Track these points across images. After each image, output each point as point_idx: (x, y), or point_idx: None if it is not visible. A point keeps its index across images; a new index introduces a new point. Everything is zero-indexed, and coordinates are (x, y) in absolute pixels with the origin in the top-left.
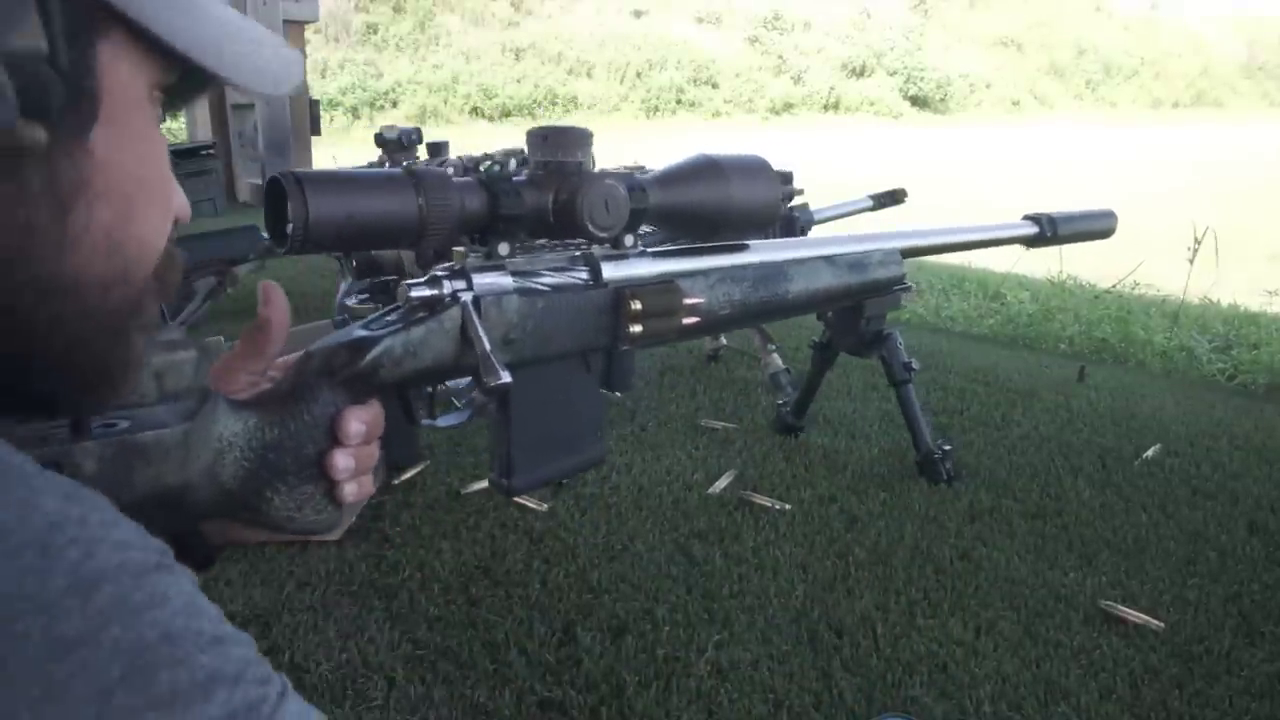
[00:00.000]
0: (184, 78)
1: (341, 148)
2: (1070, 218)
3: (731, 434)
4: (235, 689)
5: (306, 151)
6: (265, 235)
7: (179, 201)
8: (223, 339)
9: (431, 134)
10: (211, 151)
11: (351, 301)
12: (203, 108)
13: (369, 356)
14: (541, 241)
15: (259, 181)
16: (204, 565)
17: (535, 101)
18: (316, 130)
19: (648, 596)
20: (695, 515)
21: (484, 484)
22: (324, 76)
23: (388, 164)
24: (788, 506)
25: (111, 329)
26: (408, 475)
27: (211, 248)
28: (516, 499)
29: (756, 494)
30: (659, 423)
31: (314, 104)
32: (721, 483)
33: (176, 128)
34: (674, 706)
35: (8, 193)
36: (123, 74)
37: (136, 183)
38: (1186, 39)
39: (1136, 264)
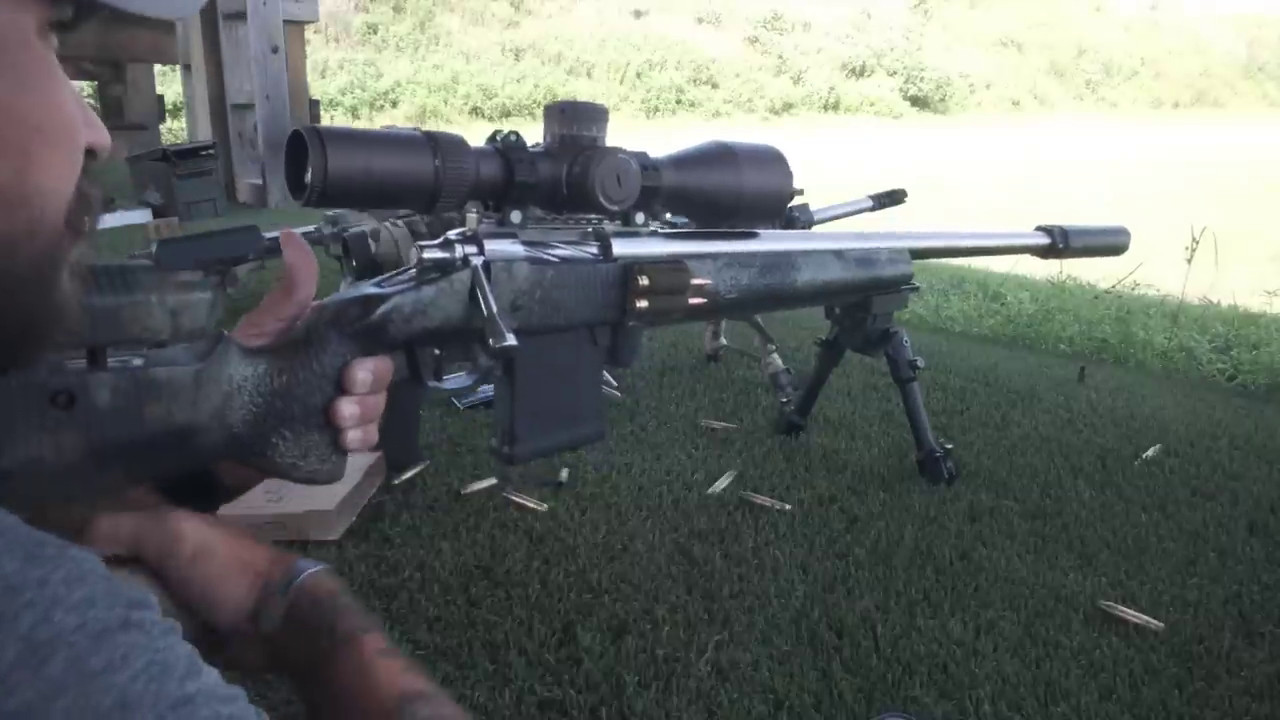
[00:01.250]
0: (78, 6)
1: None
2: (1083, 232)
3: (731, 434)
4: None
5: None
6: (265, 235)
7: (94, 135)
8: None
9: None
10: (211, 152)
11: None
12: (203, 108)
13: (379, 311)
14: (553, 215)
15: (259, 181)
16: (212, 504)
17: (535, 101)
18: None
19: (648, 596)
20: (695, 515)
21: (484, 484)
22: (324, 76)
23: None
24: (788, 506)
25: (27, 285)
26: (408, 475)
27: (211, 248)
28: (516, 499)
29: (756, 494)
30: (659, 423)
31: (314, 104)
32: (721, 483)
33: (177, 127)
34: (674, 706)
35: None
36: (1, 16)
37: (33, 131)
38: (1186, 39)
39: (1136, 264)
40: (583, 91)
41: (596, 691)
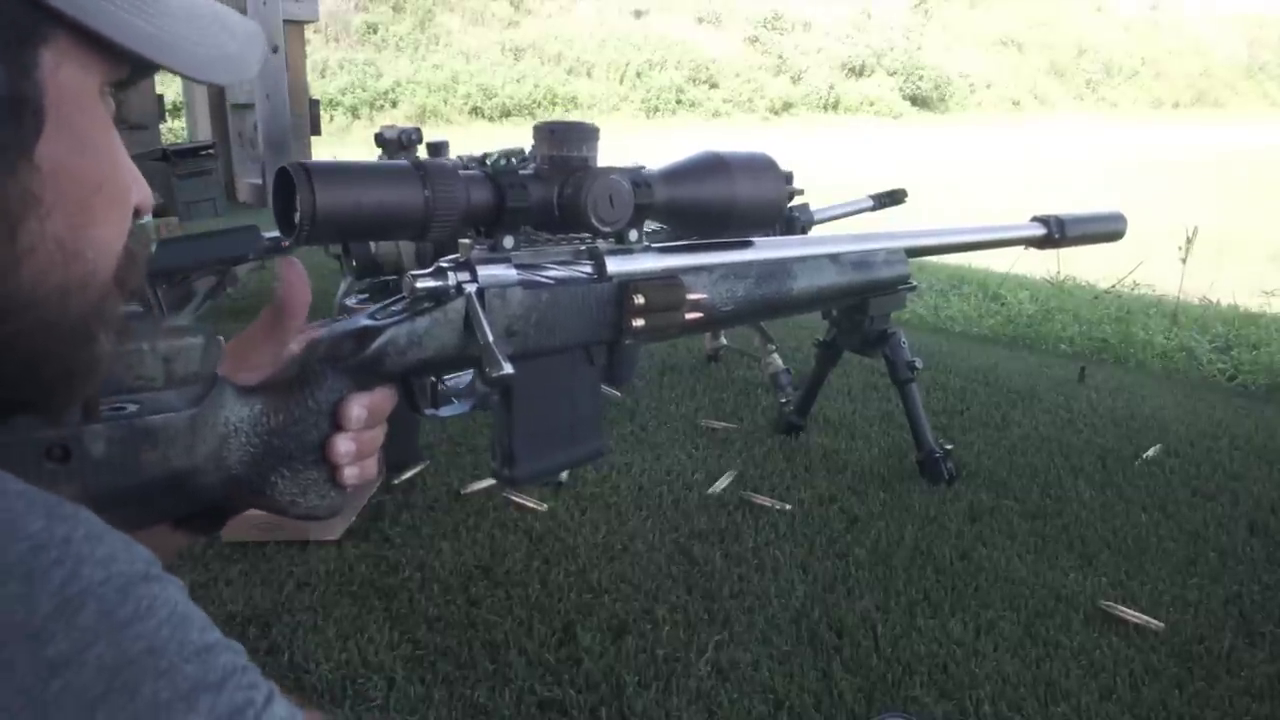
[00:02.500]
0: (136, 67)
1: (342, 147)
2: (1079, 220)
3: (731, 434)
4: (220, 695)
5: (306, 151)
6: (265, 235)
7: (140, 193)
8: (221, 339)
9: (431, 134)
10: (211, 151)
11: (351, 301)
12: (203, 108)
13: (374, 345)
14: (546, 235)
15: (259, 181)
16: (212, 530)
17: (535, 101)
18: (316, 130)
19: (648, 596)
20: (695, 515)
21: (484, 484)
22: (324, 76)
23: None
24: (788, 506)
25: (73, 336)
26: (408, 475)
27: (211, 248)
28: (516, 499)
29: (756, 494)
30: (659, 423)
31: (314, 104)
32: (721, 483)
33: (178, 127)
34: (674, 706)
35: None
36: (69, 78)
37: (92, 187)
38: (1186, 39)
39: (1136, 264)
40: (583, 91)
41: (596, 691)
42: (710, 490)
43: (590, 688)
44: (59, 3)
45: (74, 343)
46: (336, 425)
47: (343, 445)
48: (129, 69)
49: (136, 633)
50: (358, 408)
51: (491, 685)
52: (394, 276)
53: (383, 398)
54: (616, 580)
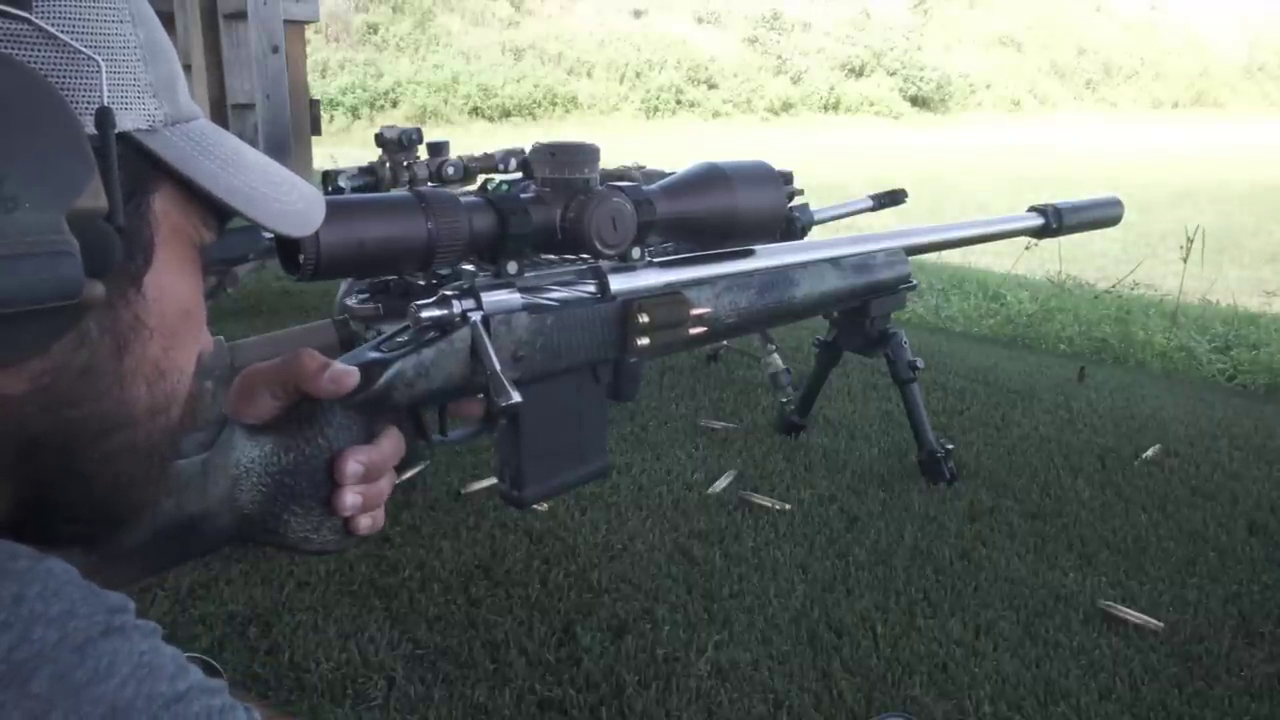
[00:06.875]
0: (223, 213)
1: (342, 147)
2: (1076, 207)
3: (731, 434)
4: None
5: (307, 151)
6: (265, 235)
7: (206, 336)
8: (223, 339)
9: (431, 134)
10: None
11: (352, 301)
12: (203, 108)
13: (382, 380)
14: (548, 256)
15: None
16: (214, 547)
17: (535, 101)
18: (317, 130)
19: (648, 596)
20: (695, 515)
21: (484, 484)
22: (324, 76)
23: (388, 164)
24: (788, 506)
25: (150, 463)
26: (408, 475)
27: (211, 248)
28: None
29: (756, 494)
30: (659, 423)
31: (314, 104)
32: (721, 483)
33: None
34: (674, 706)
35: (69, 340)
36: (172, 219)
37: (181, 315)
38: (1186, 39)
39: (1136, 264)
40: (582, 92)
41: (596, 691)
42: (710, 490)
43: (590, 688)
44: (169, 159)
45: (149, 470)
46: (335, 482)
47: (348, 499)
48: (218, 214)
49: (96, 695)
50: (353, 463)
51: (491, 685)
52: (393, 276)
53: (387, 448)
54: (616, 580)
